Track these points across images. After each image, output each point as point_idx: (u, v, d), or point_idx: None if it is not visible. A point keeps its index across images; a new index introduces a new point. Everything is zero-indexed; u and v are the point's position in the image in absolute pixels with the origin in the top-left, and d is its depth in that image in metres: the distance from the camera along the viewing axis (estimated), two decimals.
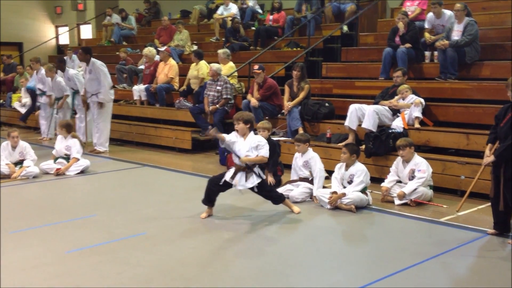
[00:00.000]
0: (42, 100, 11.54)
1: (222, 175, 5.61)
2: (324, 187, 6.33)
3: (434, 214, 5.73)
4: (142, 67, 12.26)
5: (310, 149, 6.52)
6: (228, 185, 5.56)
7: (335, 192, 5.94)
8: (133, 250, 4.62)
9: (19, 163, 7.67)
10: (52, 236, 4.99)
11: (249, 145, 5.51)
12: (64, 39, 20.57)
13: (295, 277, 4.07)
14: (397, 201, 6.09)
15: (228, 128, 9.41)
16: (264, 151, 5.49)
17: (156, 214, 5.73)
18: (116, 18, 16.24)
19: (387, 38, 9.13)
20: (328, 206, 5.92)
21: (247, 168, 5.47)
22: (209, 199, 5.62)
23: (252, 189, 5.59)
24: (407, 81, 7.94)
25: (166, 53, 11.34)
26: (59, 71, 11.14)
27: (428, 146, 7.22)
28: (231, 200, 6.07)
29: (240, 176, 5.48)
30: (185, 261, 4.39)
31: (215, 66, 9.62)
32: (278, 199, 5.74)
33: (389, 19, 10.80)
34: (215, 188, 5.57)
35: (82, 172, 7.89)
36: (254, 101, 8.93)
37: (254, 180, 5.48)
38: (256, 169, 5.52)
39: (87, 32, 20.18)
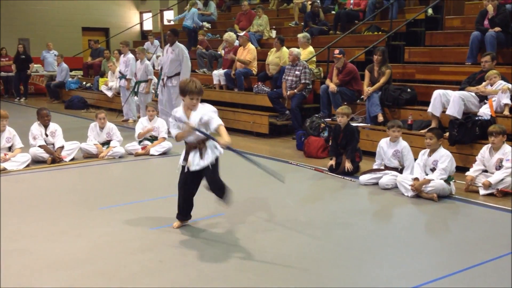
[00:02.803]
0: (121, 83, 12.02)
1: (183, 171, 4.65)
2: None
3: None
4: (222, 52, 12.45)
5: (401, 138, 6.38)
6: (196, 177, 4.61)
7: (416, 179, 5.78)
8: (212, 230, 4.76)
9: (106, 143, 8.08)
10: (137, 213, 5.23)
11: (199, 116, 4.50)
12: (148, 25, 21.27)
13: (368, 263, 4.03)
14: (482, 191, 5.85)
15: (305, 114, 9.41)
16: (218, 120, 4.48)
17: (234, 196, 5.83)
18: (197, 3, 16.53)
19: (475, 21, 8.77)
20: (409, 194, 5.78)
21: (201, 143, 4.49)
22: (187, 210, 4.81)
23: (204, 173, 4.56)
24: (495, 66, 7.57)
25: (245, 37, 11.44)
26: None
27: None
28: (308, 184, 6.09)
29: (193, 155, 4.55)
30: (262, 242, 4.46)
31: (295, 51, 9.60)
32: (223, 190, 4.64)
33: (477, 2, 10.29)
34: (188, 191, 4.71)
35: (165, 153, 8.18)
36: (332, 86, 8.84)
37: (209, 156, 4.49)
38: (211, 142, 4.50)
39: (169, 17, 20.72)
